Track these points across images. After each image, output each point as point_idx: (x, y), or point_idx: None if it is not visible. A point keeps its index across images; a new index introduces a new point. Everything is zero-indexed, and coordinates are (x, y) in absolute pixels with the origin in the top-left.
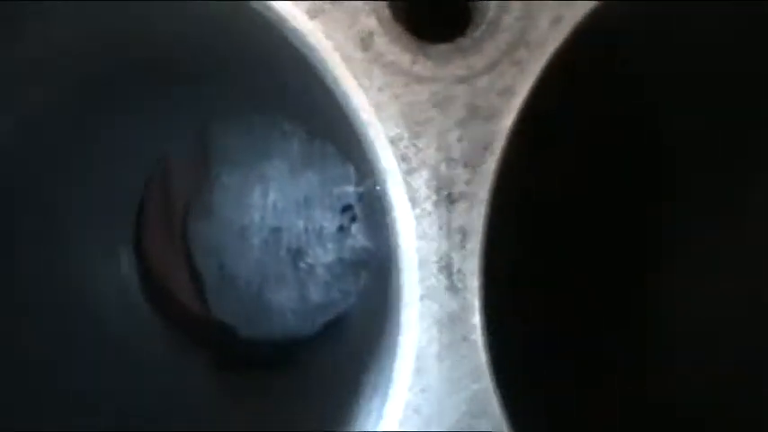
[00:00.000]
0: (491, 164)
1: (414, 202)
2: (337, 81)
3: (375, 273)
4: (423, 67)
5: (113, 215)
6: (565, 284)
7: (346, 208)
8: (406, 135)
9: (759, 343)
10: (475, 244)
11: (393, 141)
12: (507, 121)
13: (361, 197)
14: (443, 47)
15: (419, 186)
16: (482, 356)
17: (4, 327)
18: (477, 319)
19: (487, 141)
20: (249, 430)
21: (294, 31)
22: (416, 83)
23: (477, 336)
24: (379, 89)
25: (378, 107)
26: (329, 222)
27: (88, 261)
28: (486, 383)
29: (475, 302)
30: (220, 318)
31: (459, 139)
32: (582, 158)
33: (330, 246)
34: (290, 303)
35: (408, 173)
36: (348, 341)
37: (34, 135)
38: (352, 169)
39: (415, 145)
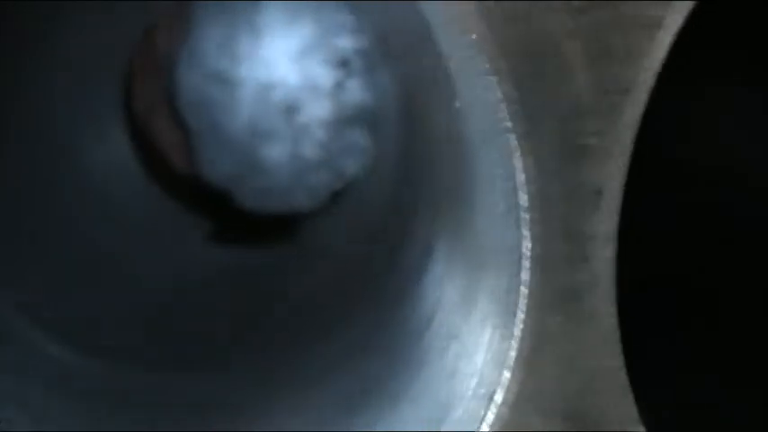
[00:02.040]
0: (630, 112)
1: (536, 156)
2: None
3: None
4: None
5: (100, 79)
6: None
7: (343, 62)
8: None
9: None
10: (609, 206)
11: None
12: (653, 60)
13: (358, 51)
14: None
15: (545, 136)
16: (612, 333)
17: None
18: (607, 292)
19: (626, 85)
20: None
21: None
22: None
23: (609, 311)
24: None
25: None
26: (324, 77)
27: (78, 127)
28: (614, 362)
29: (606, 273)
30: (212, 178)
31: (592, 82)
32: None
33: (325, 102)
34: (284, 162)
35: (533, 120)
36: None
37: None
38: (350, 19)
39: (541, 88)
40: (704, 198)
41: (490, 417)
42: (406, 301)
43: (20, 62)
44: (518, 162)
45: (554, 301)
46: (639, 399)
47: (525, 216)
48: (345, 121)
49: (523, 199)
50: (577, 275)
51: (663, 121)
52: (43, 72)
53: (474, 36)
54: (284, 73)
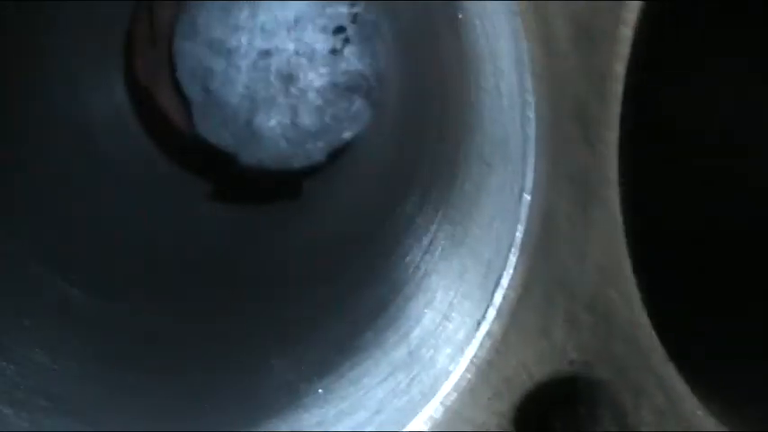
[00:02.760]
0: None
1: (548, 39)
2: None
3: (379, 103)
4: None
5: (102, 43)
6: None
7: (339, 29)
8: None
9: None
10: (615, 89)
11: None
12: None
13: (354, 18)
14: None
15: (554, 21)
16: (617, 218)
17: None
18: (612, 175)
19: None
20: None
21: None
22: None
23: (613, 194)
24: None
25: None
26: (321, 45)
27: (81, 89)
28: (619, 249)
29: (611, 156)
30: (213, 142)
31: None
32: None
33: (322, 70)
34: (282, 129)
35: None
36: (362, 174)
37: None
38: None
39: None
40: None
41: (498, 299)
42: (402, 240)
43: (22, 33)
44: (525, 45)
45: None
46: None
47: (530, 99)
48: (342, 87)
49: (529, 81)
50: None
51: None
52: (45, 40)
53: None
54: (281, 41)
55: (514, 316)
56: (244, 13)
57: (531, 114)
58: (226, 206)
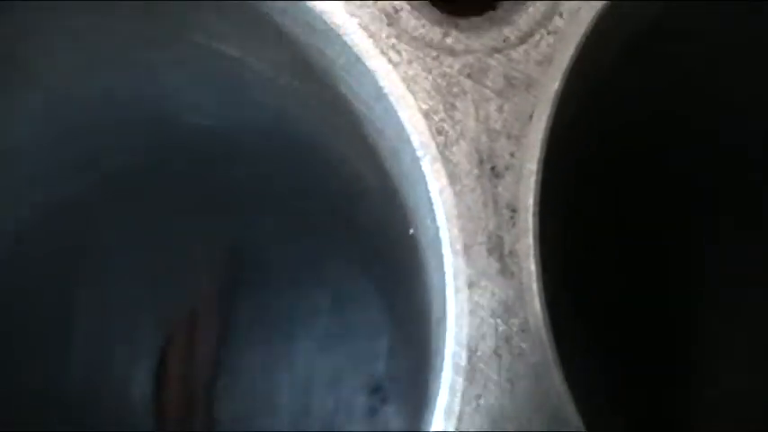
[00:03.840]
0: (537, 133)
1: (454, 177)
2: (363, 59)
3: None
4: (455, 39)
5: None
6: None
7: (377, 389)
8: (440, 107)
9: None
10: (526, 221)
11: (427, 114)
12: (551, 88)
13: (391, 374)
14: (475, 19)
15: (459, 160)
16: (546, 349)
17: None
18: (537, 306)
19: (530, 110)
20: None
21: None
22: (449, 55)
23: (540, 325)
24: (409, 62)
25: (408, 81)
26: (359, 403)
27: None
28: (553, 381)
29: (533, 287)
30: None
31: (500, 110)
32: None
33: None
34: None
35: (446, 146)
36: None
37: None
38: (383, 343)
39: (451, 117)
40: None
41: None
42: None
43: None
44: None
45: None
46: None
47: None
48: None
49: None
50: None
51: None
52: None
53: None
54: (319, 399)
55: None
56: (282, 370)
57: (446, 249)
58: None
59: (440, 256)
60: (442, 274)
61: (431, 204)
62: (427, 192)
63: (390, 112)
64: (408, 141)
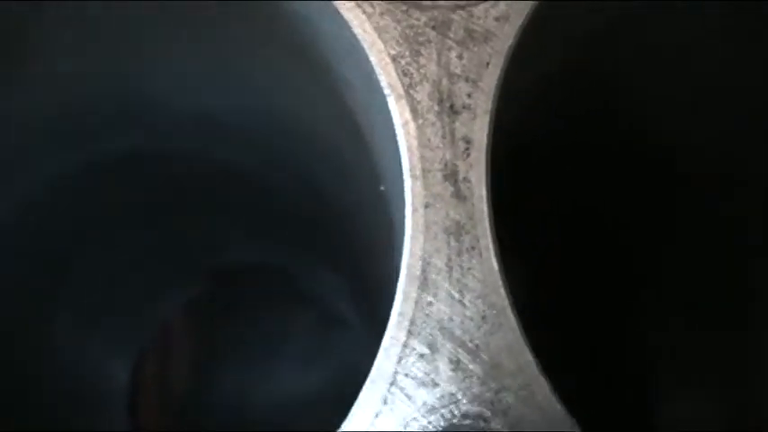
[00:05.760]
0: (492, 79)
1: (416, 113)
2: (340, 10)
3: None
4: None
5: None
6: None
7: None
8: (407, 53)
9: None
10: (479, 154)
11: (395, 59)
12: (506, 43)
13: None
14: None
15: (422, 98)
16: (493, 265)
17: None
18: (486, 226)
19: (487, 59)
20: None
21: None
22: (417, 9)
23: (488, 244)
24: (381, 14)
25: (379, 30)
26: None
27: None
28: (498, 292)
29: (483, 209)
30: None
31: (460, 57)
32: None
33: None
34: None
35: (411, 86)
36: None
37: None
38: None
39: (416, 62)
40: None
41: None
42: None
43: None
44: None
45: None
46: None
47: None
48: None
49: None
50: None
51: None
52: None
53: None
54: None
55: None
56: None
57: (407, 174)
58: None
59: (401, 183)
60: (403, 200)
61: (395, 137)
62: (392, 126)
63: (362, 60)
64: (377, 82)
